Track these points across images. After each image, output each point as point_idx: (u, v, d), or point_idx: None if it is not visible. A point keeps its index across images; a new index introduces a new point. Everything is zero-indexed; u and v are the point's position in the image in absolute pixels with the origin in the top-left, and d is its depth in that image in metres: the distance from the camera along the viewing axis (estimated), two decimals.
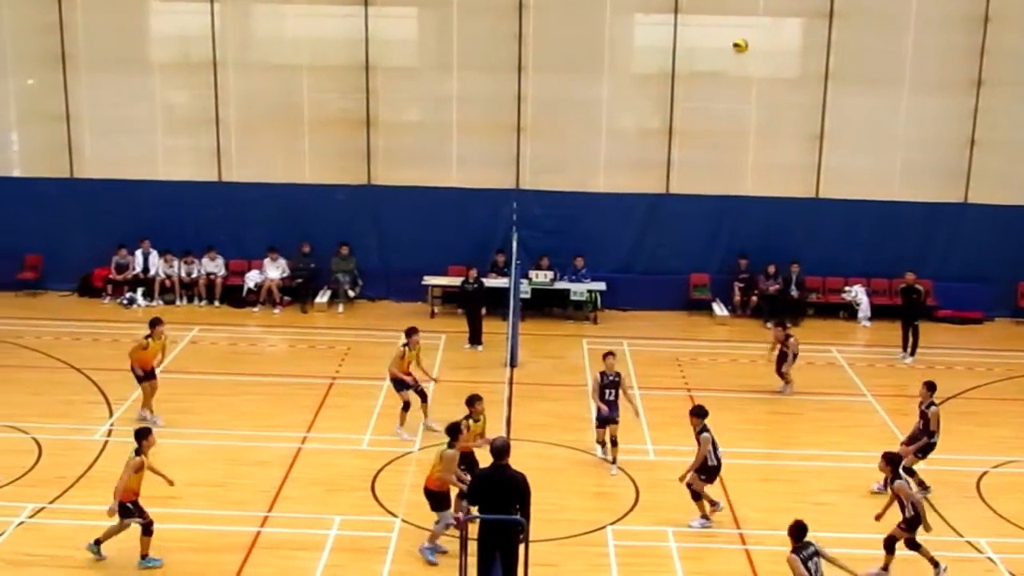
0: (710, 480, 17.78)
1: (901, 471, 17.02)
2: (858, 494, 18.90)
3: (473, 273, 26.99)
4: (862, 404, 23.31)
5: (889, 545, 16.28)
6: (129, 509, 15.87)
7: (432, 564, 16.16)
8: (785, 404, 22.84)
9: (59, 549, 16.30)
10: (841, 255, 29.30)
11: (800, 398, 22.84)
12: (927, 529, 16.10)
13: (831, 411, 22.75)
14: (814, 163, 29.31)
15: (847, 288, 29.32)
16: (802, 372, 23.56)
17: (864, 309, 29.07)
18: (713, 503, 17.83)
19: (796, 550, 14.13)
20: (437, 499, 16.46)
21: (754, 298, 29.06)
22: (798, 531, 14.29)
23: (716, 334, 28.18)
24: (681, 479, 17.74)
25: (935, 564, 16.26)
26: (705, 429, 17.76)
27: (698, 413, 18.01)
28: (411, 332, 21.04)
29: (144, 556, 15.85)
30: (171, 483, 16.53)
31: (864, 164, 29.41)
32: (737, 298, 29.30)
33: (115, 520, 15.92)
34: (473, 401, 17.80)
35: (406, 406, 20.74)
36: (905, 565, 16.26)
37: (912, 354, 26.17)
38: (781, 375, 23.58)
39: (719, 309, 29.22)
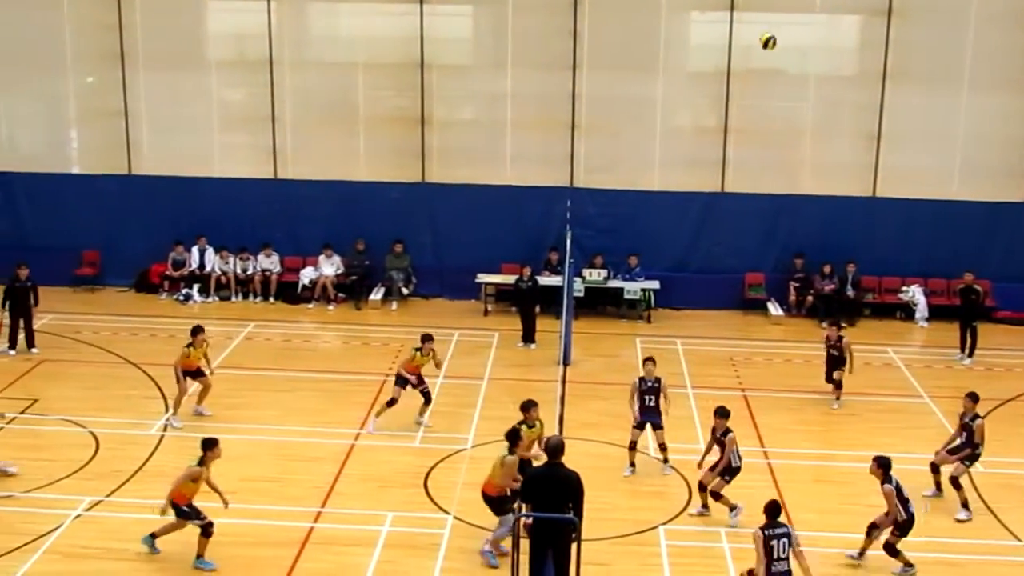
0: (729, 482, 17.68)
1: (952, 482, 16.99)
2: (913, 497, 18.66)
3: (527, 271, 26.96)
4: (919, 406, 23.08)
5: (891, 551, 16.19)
6: (184, 511, 15.94)
7: (493, 567, 16.13)
8: (841, 405, 22.61)
9: (115, 542, 16.46)
10: (898, 255, 29.01)
11: (856, 399, 22.60)
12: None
13: (887, 412, 22.53)
14: (871, 162, 29.04)
15: (904, 288, 29.02)
16: (858, 373, 23.29)
17: (921, 309, 28.76)
18: (732, 507, 17.63)
19: (765, 527, 14.51)
20: (498, 504, 16.31)
21: (810, 298, 28.84)
22: (772, 510, 14.69)
23: (771, 334, 28.00)
24: (705, 484, 17.67)
25: (908, 564, 16.29)
26: (729, 430, 17.68)
27: (722, 414, 17.92)
28: (426, 339, 21.08)
29: (199, 556, 15.90)
30: (225, 504, 16.38)
31: (922, 163, 29.09)
32: (792, 298, 29.10)
33: (170, 517, 16.02)
34: (528, 407, 17.50)
35: (391, 402, 20.75)
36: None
37: (970, 355, 25.89)
38: (832, 381, 22.67)
39: (774, 309, 29.03)
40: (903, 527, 16.07)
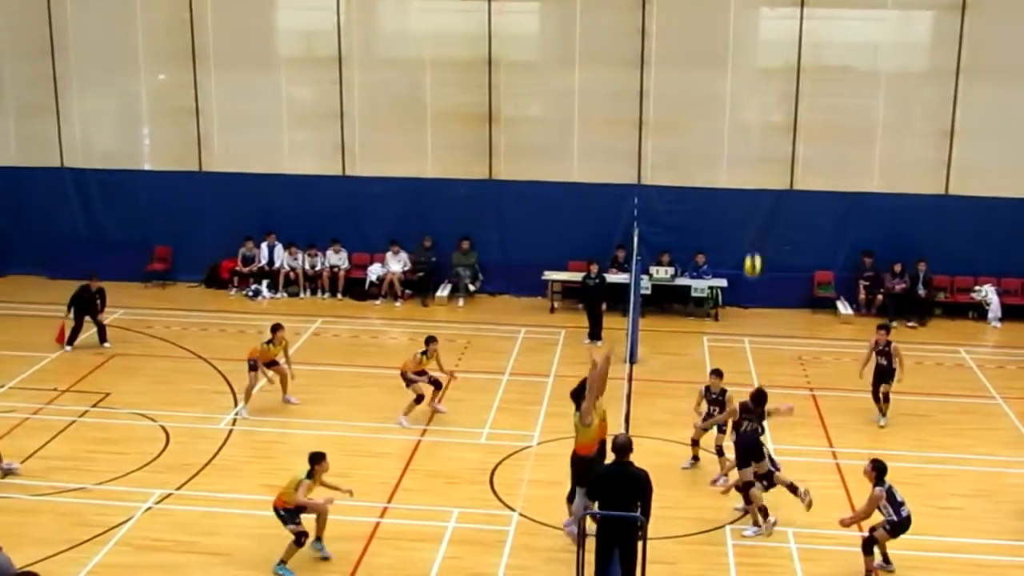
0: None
1: None
2: (988, 499, 18.47)
3: (594, 268, 26.91)
4: (991, 407, 22.75)
5: (869, 547, 15.98)
6: (282, 515, 15.95)
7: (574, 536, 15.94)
8: (911, 406, 22.31)
9: (185, 535, 16.64)
10: (971, 253, 28.60)
11: (927, 400, 22.34)
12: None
13: (959, 413, 22.23)
14: (944, 159, 28.66)
15: (977, 288, 28.62)
16: (929, 374, 23.02)
17: (994, 309, 28.33)
18: (765, 515, 17.17)
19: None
20: (587, 466, 16.00)
21: (880, 296, 28.54)
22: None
23: (840, 333, 27.72)
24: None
25: (887, 562, 16.18)
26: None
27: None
28: (429, 340, 21.49)
29: (282, 562, 15.76)
30: (351, 494, 16.50)
31: (996, 160, 28.60)
32: (862, 296, 28.82)
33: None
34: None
35: (419, 399, 21.03)
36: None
37: None
38: (879, 397, 21.62)
39: (843, 307, 28.77)
40: (896, 528, 15.85)
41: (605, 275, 27.36)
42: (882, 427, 21.44)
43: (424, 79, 29.82)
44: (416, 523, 17.17)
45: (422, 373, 21.48)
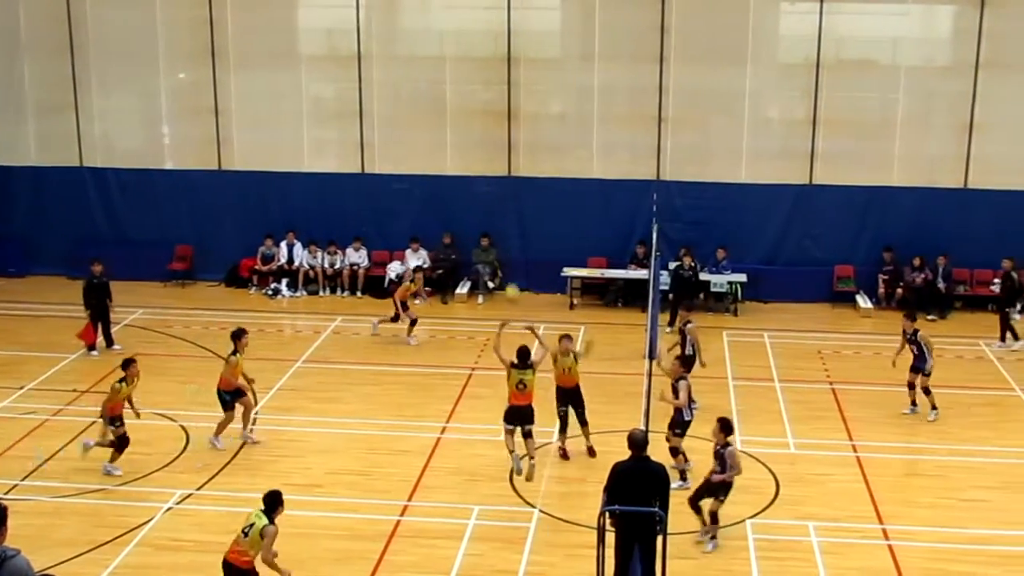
0: (681, 436, 18.21)
1: None
2: (1011, 491, 18.42)
3: (688, 260, 27.82)
4: (1012, 399, 22.69)
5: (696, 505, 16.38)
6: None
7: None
8: (924, 395, 22.26)
9: (206, 534, 16.64)
10: (991, 247, 28.41)
11: (948, 392, 22.23)
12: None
13: (980, 406, 22.15)
14: (963, 153, 28.57)
15: (996, 280, 28.48)
16: (950, 366, 22.96)
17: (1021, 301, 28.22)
18: (683, 470, 18.10)
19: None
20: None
21: (900, 290, 28.45)
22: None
23: (860, 327, 27.67)
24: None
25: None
26: (683, 377, 18.41)
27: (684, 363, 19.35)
28: (416, 270, 25.31)
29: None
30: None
31: (1016, 153, 28.56)
32: (882, 290, 28.74)
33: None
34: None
35: (395, 318, 25.49)
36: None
37: (1003, 340, 25.76)
38: (920, 388, 21.43)
39: (863, 301, 28.69)
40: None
41: (633, 271, 28.16)
42: (932, 421, 21.26)
43: (444, 76, 29.84)
44: (438, 520, 17.19)
45: (404, 302, 25.45)
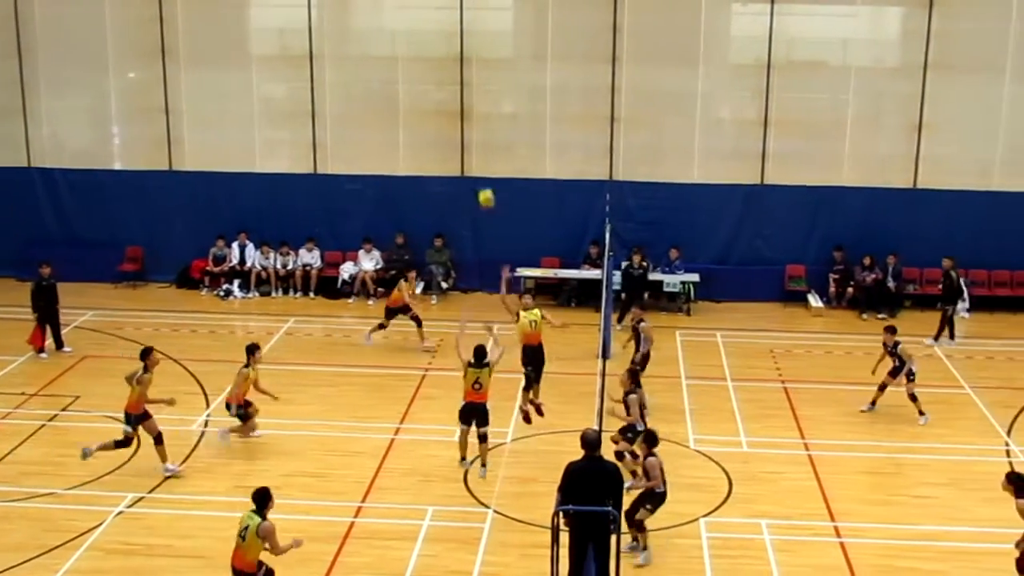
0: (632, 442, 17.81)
1: None
2: (959, 487, 18.61)
3: (638, 259, 27.82)
4: (961, 396, 22.92)
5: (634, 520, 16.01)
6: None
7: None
8: (883, 397, 22.45)
9: (157, 538, 16.56)
10: (940, 246, 28.64)
11: (898, 390, 22.43)
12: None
13: (930, 403, 22.21)
14: (912, 153, 28.84)
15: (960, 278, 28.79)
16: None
17: (963, 300, 28.53)
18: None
19: (654, 453, 15.90)
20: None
21: (850, 289, 28.67)
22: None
23: (811, 326, 27.87)
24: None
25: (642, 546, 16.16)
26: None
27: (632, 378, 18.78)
28: (409, 269, 23.91)
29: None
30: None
31: (964, 154, 28.88)
32: (832, 289, 28.95)
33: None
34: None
35: (382, 326, 25.09)
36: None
37: (936, 339, 26.09)
38: (884, 390, 21.65)
39: (814, 300, 28.89)
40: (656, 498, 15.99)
41: (585, 271, 27.72)
42: (922, 426, 21.25)
43: (397, 76, 29.77)
44: (392, 521, 17.16)
45: (403, 305, 24.91)
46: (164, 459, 18.64)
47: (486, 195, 23.76)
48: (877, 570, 16.03)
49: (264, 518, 13.93)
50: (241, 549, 13.97)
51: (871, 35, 29.46)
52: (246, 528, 13.91)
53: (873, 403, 21.76)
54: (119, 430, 18.70)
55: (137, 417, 18.58)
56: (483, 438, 18.51)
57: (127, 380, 18.63)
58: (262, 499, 14.09)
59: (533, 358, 20.60)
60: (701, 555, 16.38)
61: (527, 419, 20.08)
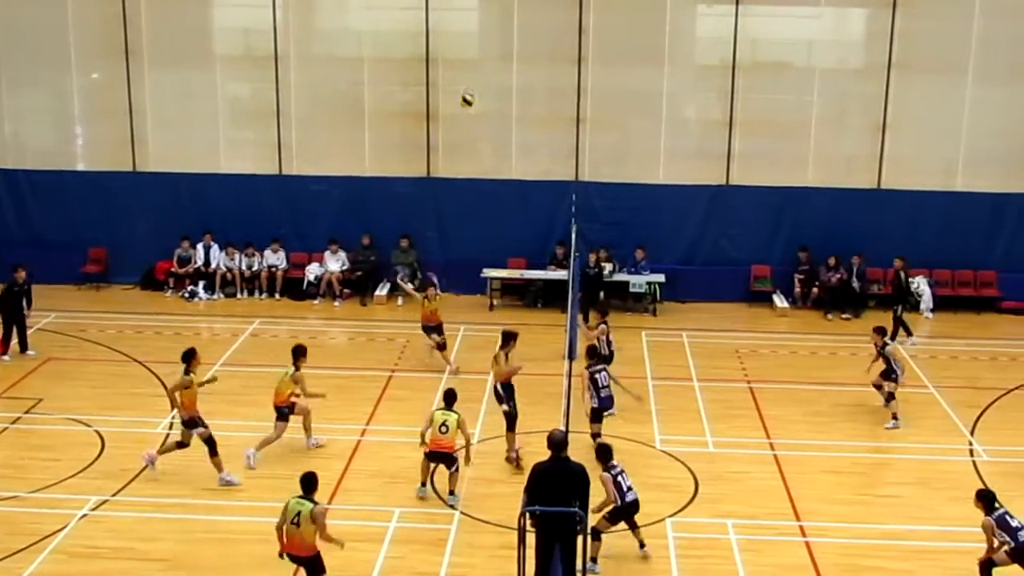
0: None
1: None
2: (925, 487, 18.73)
3: (594, 258, 27.87)
4: (924, 396, 23.04)
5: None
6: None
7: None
8: (848, 397, 22.59)
9: (122, 541, 16.48)
10: (904, 246, 28.87)
11: (862, 390, 22.55)
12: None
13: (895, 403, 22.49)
14: (876, 153, 29.00)
15: (909, 279, 28.94)
16: (865, 365, 23.24)
17: (927, 300, 28.72)
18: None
19: (607, 468, 15.89)
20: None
21: (815, 290, 28.80)
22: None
23: (776, 326, 27.98)
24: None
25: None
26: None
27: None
28: (429, 285, 23.30)
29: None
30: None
31: (928, 154, 29.08)
32: (797, 290, 29.07)
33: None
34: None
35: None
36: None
37: (893, 339, 26.02)
38: (880, 391, 21.79)
39: (780, 301, 29.00)
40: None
41: (551, 271, 27.79)
42: (888, 429, 21.26)
43: (362, 77, 29.69)
44: (358, 523, 17.09)
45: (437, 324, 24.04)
46: (220, 468, 18.44)
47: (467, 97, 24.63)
48: (842, 569, 16.11)
49: (314, 502, 14.34)
50: (298, 536, 14.33)
51: (835, 36, 29.63)
52: (297, 514, 14.29)
53: (894, 416, 21.41)
54: (91, 432, 18.58)
55: (192, 420, 18.45)
56: (453, 471, 17.98)
57: (174, 388, 18.44)
58: (309, 483, 14.54)
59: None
60: (667, 555, 16.43)
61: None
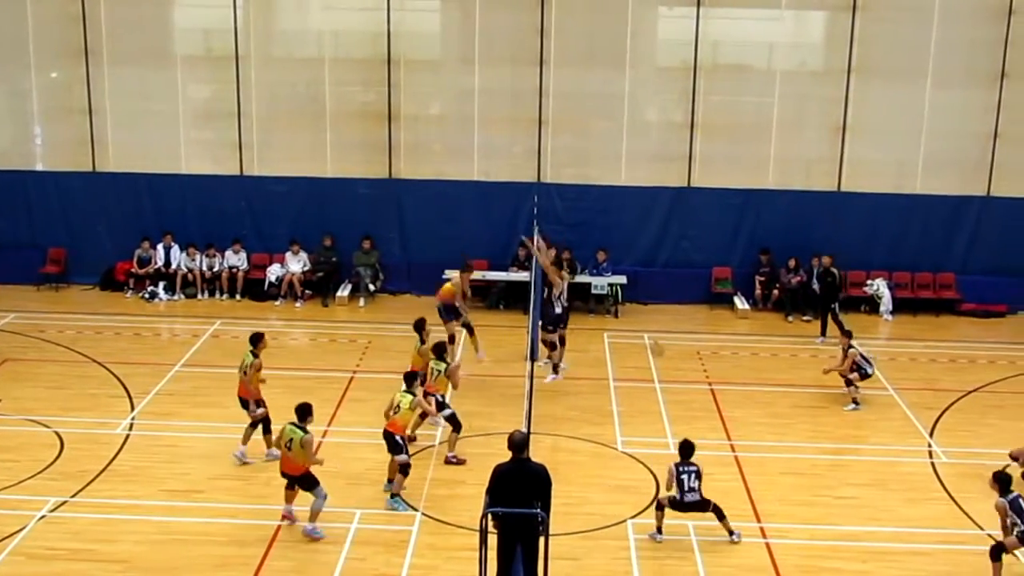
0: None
1: None
2: (882, 488, 18.85)
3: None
4: (884, 398, 23.17)
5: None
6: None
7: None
8: (807, 398, 22.74)
9: (81, 543, 16.35)
10: (864, 248, 29.15)
11: (822, 392, 22.71)
12: None
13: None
14: (836, 155, 29.17)
15: (869, 282, 29.17)
16: (823, 365, 23.43)
17: (886, 303, 28.92)
18: None
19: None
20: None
21: (776, 292, 28.95)
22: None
23: (737, 328, 28.09)
24: None
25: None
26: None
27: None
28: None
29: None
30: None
31: (887, 157, 29.31)
32: (758, 292, 29.21)
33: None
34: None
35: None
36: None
37: (823, 335, 26.63)
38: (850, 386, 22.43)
39: (740, 303, 29.12)
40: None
41: (512, 273, 27.59)
42: (848, 410, 22.23)
43: (323, 77, 29.61)
44: (319, 524, 17.04)
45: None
46: (269, 445, 19.15)
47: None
48: (801, 570, 16.19)
49: (305, 431, 16.33)
50: (290, 459, 16.47)
51: (796, 39, 29.80)
52: (291, 440, 16.35)
53: (854, 401, 22.30)
54: (50, 434, 18.45)
55: (257, 402, 19.17)
56: (402, 468, 17.85)
57: (251, 369, 19.10)
58: (303, 412, 16.54)
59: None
60: (628, 556, 16.45)
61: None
